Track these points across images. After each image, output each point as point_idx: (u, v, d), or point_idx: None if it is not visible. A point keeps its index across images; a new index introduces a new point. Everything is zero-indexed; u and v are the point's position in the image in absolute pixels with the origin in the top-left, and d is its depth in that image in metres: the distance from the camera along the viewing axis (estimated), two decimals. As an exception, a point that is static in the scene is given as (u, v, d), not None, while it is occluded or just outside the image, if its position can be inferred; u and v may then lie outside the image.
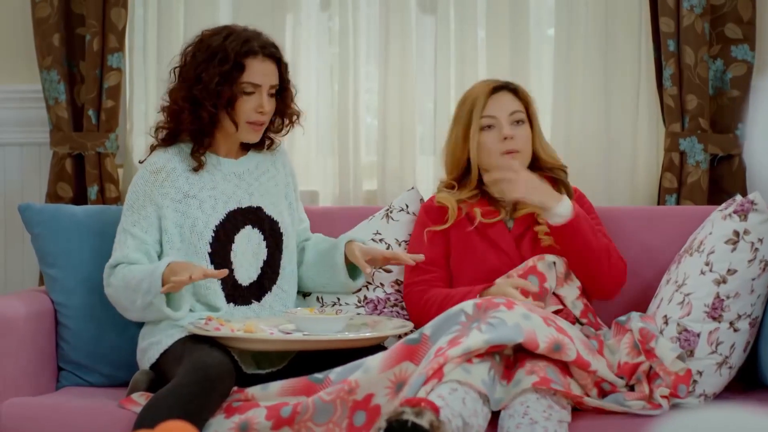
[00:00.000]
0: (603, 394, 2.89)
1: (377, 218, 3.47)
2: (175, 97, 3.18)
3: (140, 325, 3.21)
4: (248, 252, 3.21)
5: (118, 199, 3.90)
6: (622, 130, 3.82)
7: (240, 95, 3.16)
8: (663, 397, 2.85)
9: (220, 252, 3.17)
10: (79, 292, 3.32)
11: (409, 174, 3.88)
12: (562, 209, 3.12)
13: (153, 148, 3.26)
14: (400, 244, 3.43)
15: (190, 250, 3.15)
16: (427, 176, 3.91)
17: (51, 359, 3.31)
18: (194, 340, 3.00)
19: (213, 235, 3.16)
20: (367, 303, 3.37)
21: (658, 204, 3.77)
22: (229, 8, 3.93)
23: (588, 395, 2.86)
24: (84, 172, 3.93)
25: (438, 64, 3.89)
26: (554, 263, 3.16)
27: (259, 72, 3.17)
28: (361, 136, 3.92)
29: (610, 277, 3.17)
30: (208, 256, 3.16)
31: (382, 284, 3.38)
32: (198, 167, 3.20)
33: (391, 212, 3.48)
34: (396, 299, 3.37)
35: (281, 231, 3.27)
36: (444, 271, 3.30)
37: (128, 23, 3.90)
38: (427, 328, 2.84)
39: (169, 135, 3.23)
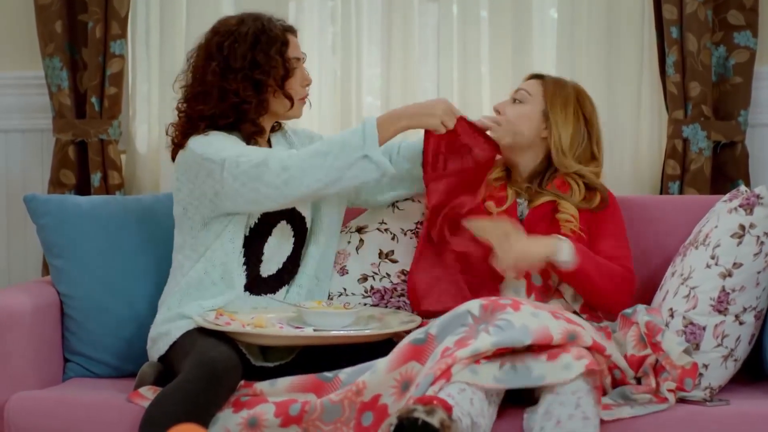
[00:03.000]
0: (614, 382, 2.92)
1: (383, 207, 3.47)
2: (231, 89, 3.12)
3: (148, 316, 3.23)
4: (277, 246, 3.20)
5: (121, 186, 3.90)
6: (625, 118, 3.82)
7: (291, 70, 3.18)
8: (669, 390, 2.88)
9: (256, 239, 3.16)
10: (85, 282, 3.33)
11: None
12: (563, 256, 3.09)
13: (189, 134, 3.18)
14: (405, 234, 3.43)
15: (226, 236, 3.13)
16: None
17: (57, 350, 3.32)
18: (202, 332, 3.01)
19: (257, 221, 3.15)
20: (373, 293, 3.38)
21: (662, 191, 3.78)
22: (233, -6, 3.93)
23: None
24: (87, 158, 3.93)
25: (441, 47, 3.89)
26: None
27: (297, 46, 3.22)
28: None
29: (615, 303, 3.16)
30: (242, 248, 3.14)
31: (388, 274, 3.39)
32: None
33: (397, 201, 3.48)
34: (402, 289, 3.37)
35: (306, 226, 3.26)
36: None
37: (131, 10, 3.89)
38: (433, 328, 2.86)
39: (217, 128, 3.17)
